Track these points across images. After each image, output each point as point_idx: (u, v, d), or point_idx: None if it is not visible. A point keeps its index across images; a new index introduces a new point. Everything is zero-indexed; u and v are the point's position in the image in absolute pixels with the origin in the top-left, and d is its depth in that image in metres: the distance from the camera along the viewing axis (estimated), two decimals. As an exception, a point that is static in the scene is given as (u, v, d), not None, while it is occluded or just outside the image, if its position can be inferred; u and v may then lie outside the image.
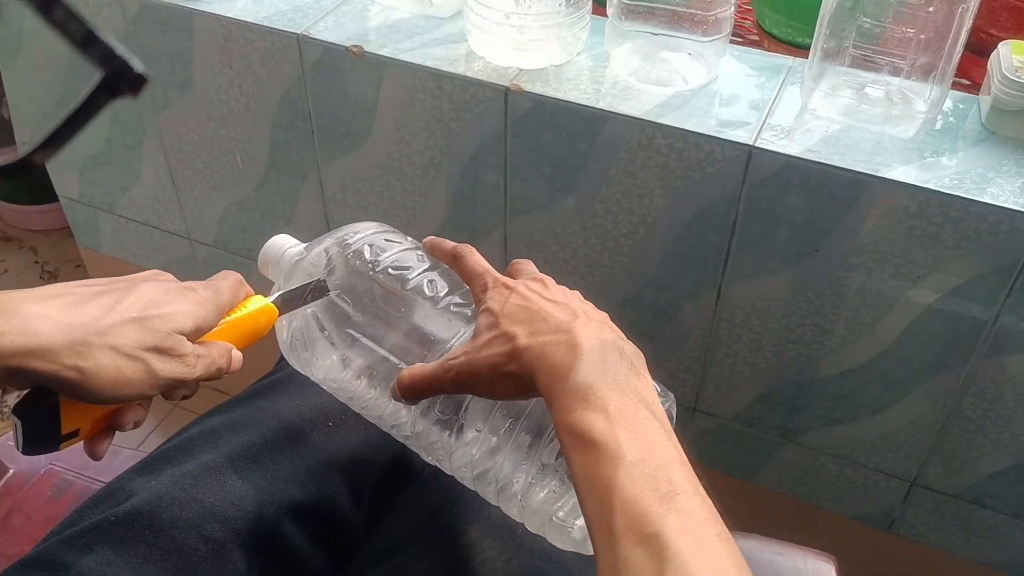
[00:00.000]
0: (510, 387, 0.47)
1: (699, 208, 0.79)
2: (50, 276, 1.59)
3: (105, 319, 0.44)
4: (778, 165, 0.74)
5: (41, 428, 0.45)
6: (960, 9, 0.68)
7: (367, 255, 0.58)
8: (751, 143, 0.74)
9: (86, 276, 1.43)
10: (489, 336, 0.48)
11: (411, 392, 0.50)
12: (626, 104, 0.78)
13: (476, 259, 0.55)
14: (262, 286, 0.58)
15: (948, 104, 0.78)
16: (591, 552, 0.51)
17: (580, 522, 0.51)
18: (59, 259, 1.61)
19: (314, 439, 0.58)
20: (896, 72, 0.74)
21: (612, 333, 0.48)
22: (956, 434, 0.84)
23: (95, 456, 0.49)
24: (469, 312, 0.54)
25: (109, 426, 0.49)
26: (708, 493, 0.40)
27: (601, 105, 0.78)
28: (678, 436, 0.43)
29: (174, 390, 0.49)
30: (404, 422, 0.55)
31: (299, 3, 0.91)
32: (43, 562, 0.51)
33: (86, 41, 0.26)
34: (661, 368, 0.47)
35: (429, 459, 0.56)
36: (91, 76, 0.28)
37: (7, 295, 0.43)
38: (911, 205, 0.71)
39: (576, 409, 0.42)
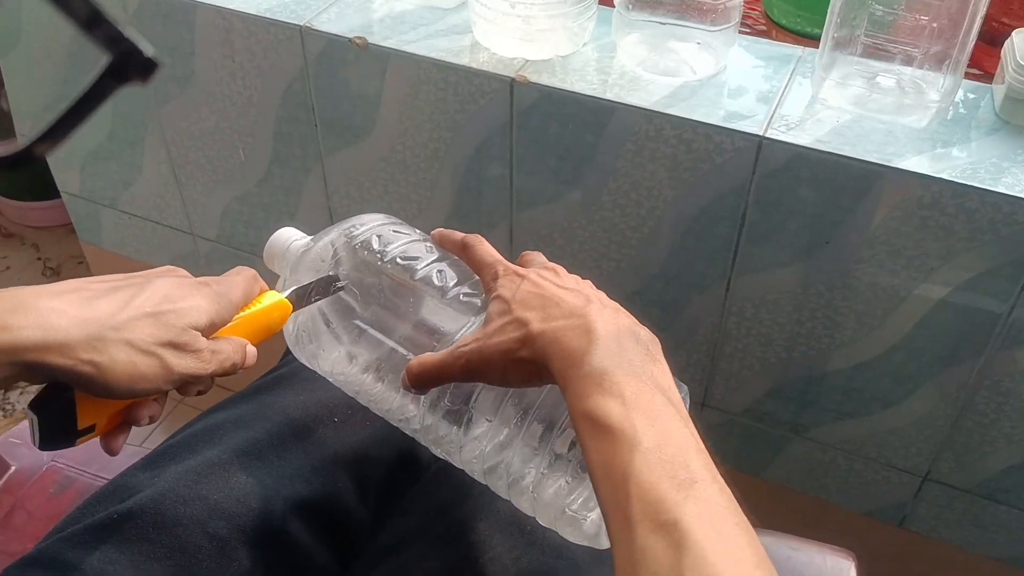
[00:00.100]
0: (523, 373, 0.46)
1: (708, 200, 0.78)
2: (52, 272, 1.58)
3: (120, 314, 0.44)
4: (788, 156, 0.72)
5: (57, 423, 0.45)
6: (974, -4, 0.67)
7: (375, 245, 0.58)
8: (761, 133, 0.73)
9: (88, 272, 1.43)
10: (501, 322, 0.47)
11: (420, 380, 0.49)
12: (633, 95, 0.77)
13: (486, 248, 0.54)
14: (268, 280, 0.57)
15: (960, 94, 0.77)
16: (604, 546, 0.50)
17: (593, 515, 0.50)
18: (61, 255, 1.60)
19: (319, 435, 0.57)
20: (909, 61, 0.73)
21: (627, 319, 0.47)
22: (969, 428, 0.83)
23: (111, 451, 0.49)
24: (479, 302, 0.54)
25: (125, 421, 0.49)
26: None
27: (608, 96, 0.77)
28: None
29: (188, 386, 0.48)
30: (413, 415, 0.54)
31: (302, -6, 0.90)
32: (45, 560, 0.50)
33: (91, 22, 0.25)
34: (669, 362, 0.47)
35: (439, 453, 0.55)
36: (94, 67, 0.27)
37: (23, 291, 0.43)
38: (924, 196, 0.70)
39: (592, 394, 0.41)
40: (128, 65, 0.25)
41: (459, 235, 0.56)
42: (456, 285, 0.55)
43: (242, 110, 0.97)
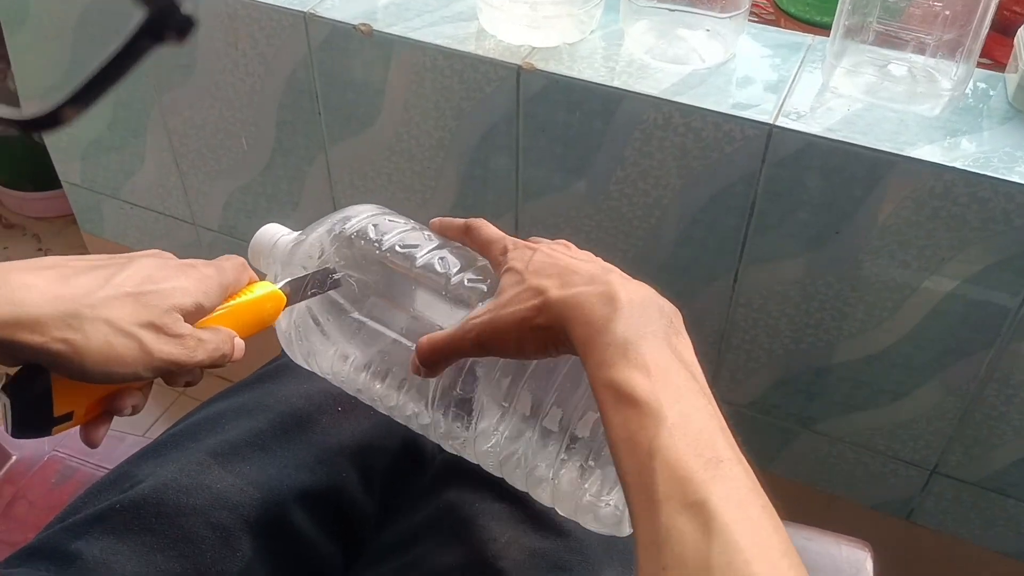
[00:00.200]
0: (539, 342, 0.44)
1: (716, 190, 0.77)
2: (54, 263, 1.57)
3: (98, 292, 0.42)
4: (799, 145, 0.72)
5: (31, 408, 0.43)
6: (989, -18, 0.66)
7: (372, 235, 0.56)
8: (771, 122, 0.72)
9: (90, 263, 1.42)
10: (515, 291, 0.45)
11: (431, 358, 0.47)
12: (642, 82, 0.76)
13: (491, 228, 0.52)
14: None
15: (973, 83, 0.76)
16: (625, 533, 0.49)
17: (612, 500, 0.49)
18: (62, 246, 1.60)
19: (323, 424, 0.57)
20: (921, 49, 0.72)
21: (649, 289, 0.45)
22: (978, 421, 0.83)
23: (91, 443, 0.46)
24: (484, 288, 0.52)
25: (106, 411, 0.46)
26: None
27: (616, 84, 0.76)
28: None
29: (174, 375, 0.46)
30: (421, 411, 0.53)
31: (305, -19, 0.89)
32: (46, 551, 0.50)
33: None
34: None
35: (450, 448, 0.53)
36: (103, 45, 0.26)
37: None
38: (936, 185, 0.69)
39: (616, 364, 0.40)
40: (165, 22, 0.24)
41: (460, 220, 0.54)
42: (460, 271, 0.54)
43: (245, 98, 0.96)
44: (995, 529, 0.90)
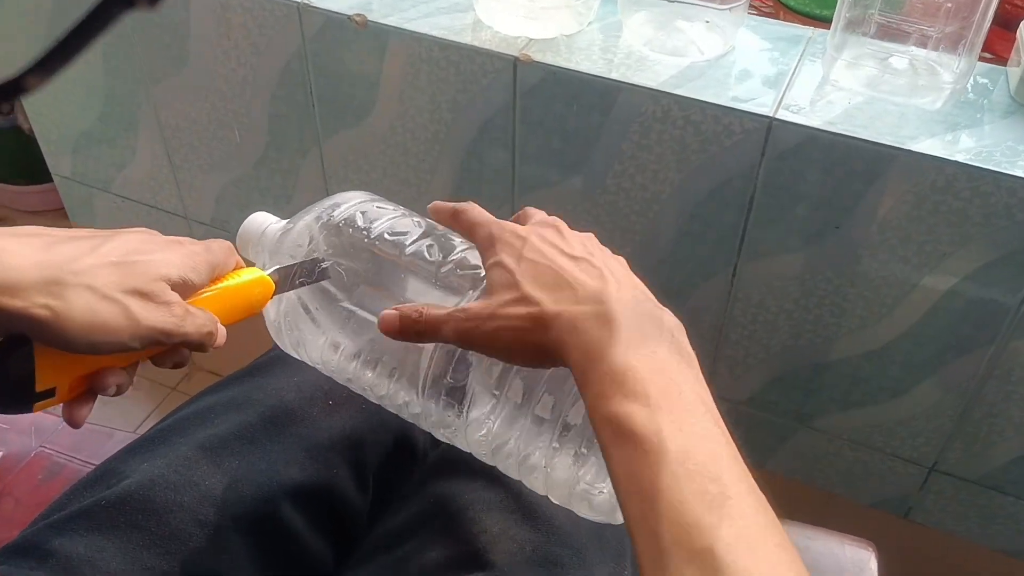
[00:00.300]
0: (531, 355, 0.43)
1: (715, 184, 0.76)
2: (45, 258, 1.56)
3: (82, 260, 0.41)
4: (798, 138, 0.71)
5: (12, 381, 0.41)
6: (992, -26, 0.65)
7: (360, 222, 0.55)
8: (771, 115, 0.71)
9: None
10: (508, 296, 0.43)
11: (415, 332, 0.45)
12: (640, 75, 0.75)
13: (478, 211, 0.50)
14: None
15: (975, 76, 0.75)
16: (619, 521, 0.48)
17: (607, 486, 0.48)
18: (54, 240, 1.58)
19: (314, 418, 0.55)
20: (923, 42, 0.71)
21: (647, 301, 0.44)
22: (977, 418, 0.82)
23: (74, 422, 0.44)
24: (480, 274, 0.51)
25: (90, 389, 0.45)
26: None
27: (614, 76, 0.75)
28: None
29: (164, 357, 0.45)
30: (412, 400, 0.52)
31: (299, -29, 0.88)
32: (29, 548, 0.49)
33: None
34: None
35: (442, 436, 0.53)
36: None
37: None
38: (938, 179, 0.68)
39: (613, 395, 0.38)
40: None
41: (451, 205, 0.52)
42: (450, 258, 0.53)
43: (238, 90, 0.95)
44: (994, 527, 0.89)
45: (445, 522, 0.52)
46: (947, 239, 0.71)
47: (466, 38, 0.79)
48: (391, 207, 0.57)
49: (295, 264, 0.52)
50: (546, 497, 0.52)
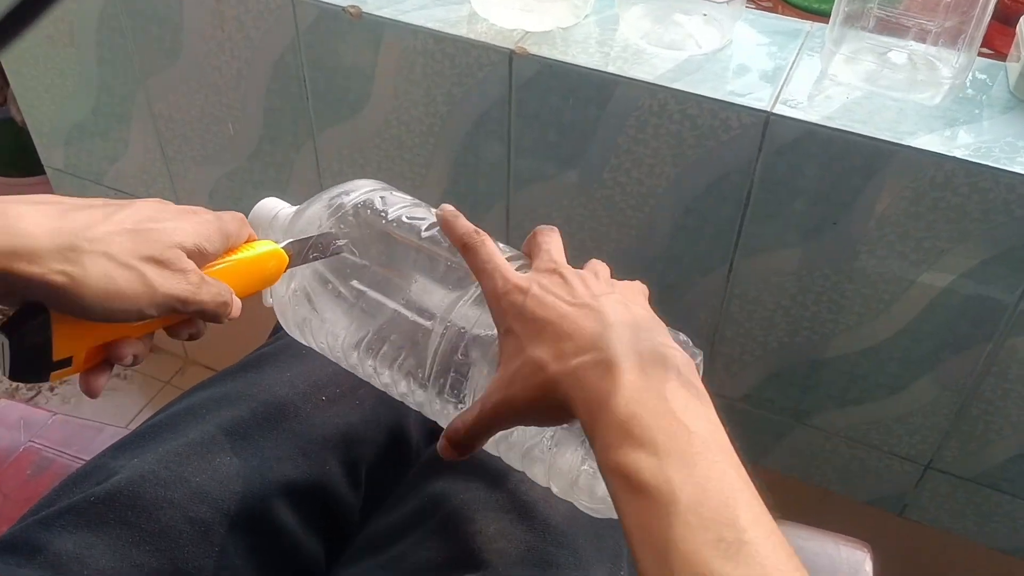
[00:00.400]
0: (553, 418, 0.43)
1: (712, 178, 0.76)
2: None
3: (98, 227, 0.40)
4: (796, 133, 0.70)
5: (29, 349, 0.41)
6: (993, -32, 0.64)
7: (378, 205, 0.55)
8: (768, 110, 0.70)
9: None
10: (515, 365, 0.43)
11: (462, 445, 0.45)
12: (637, 68, 0.74)
13: (487, 252, 0.48)
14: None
15: (974, 72, 0.75)
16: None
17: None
18: (47, 234, 1.57)
19: (307, 414, 0.55)
20: (922, 36, 0.71)
21: (651, 340, 0.42)
22: (974, 416, 0.81)
23: (91, 392, 0.44)
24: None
25: (107, 359, 0.44)
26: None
27: (611, 69, 0.74)
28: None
29: (180, 327, 0.44)
30: (416, 390, 0.51)
31: (294, -38, 0.87)
32: (17, 545, 0.48)
33: None
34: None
35: (445, 424, 0.52)
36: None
37: None
38: (936, 175, 0.68)
39: (620, 445, 0.37)
40: None
41: (462, 229, 0.49)
42: None
43: (232, 83, 0.94)
44: (990, 525, 0.89)
45: (439, 521, 0.51)
46: (945, 235, 0.71)
47: (461, 30, 0.78)
48: (404, 196, 0.57)
49: (310, 238, 0.52)
50: (543, 498, 0.51)
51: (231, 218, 0.48)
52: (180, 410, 0.55)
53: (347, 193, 0.56)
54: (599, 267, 0.48)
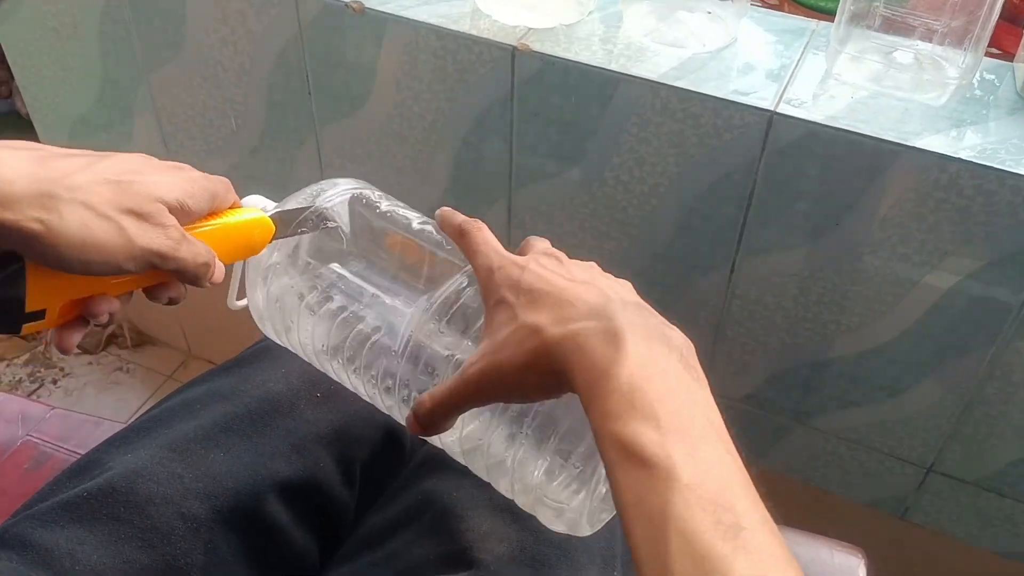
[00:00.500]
0: (542, 388, 0.41)
1: (714, 178, 0.75)
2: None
3: (78, 175, 0.39)
4: (800, 132, 0.69)
5: (2, 299, 0.40)
6: (1000, -33, 0.63)
7: (373, 197, 0.55)
8: (772, 109, 0.70)
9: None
10: (508, 330, 0.41)
11: (432, 416, 0.43)
12: (640, 66, 0.73)
13: (483, 236, 0.48)
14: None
15: (980, 72, 0.74)
16: (583, 534, 0.47)
17: (575, 502, 0.47)
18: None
19: (301, 411, 0.55)
20: (928, 36, 0.70)
21: (654, 317, 0.41)
22: (977, 419, 0.81)
23: (64, 348, 0.43)
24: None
25: (81, 316, 0.43)
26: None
27: (613, 67, 0.73)
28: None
29: (159, 289, 0.43)
30: (383, 396, 0.51)
31: (297, -44, 0.86)
32: (10, 539, 0.48)
33: None
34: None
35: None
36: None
37: None
38: (941, 177, 0.67)
39: (621, 416, 0.36)
40: None
41: (460, 218, 0.49)
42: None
43: (234, 77, 0.94)
44: (991, 529, 0.89)
45: (432, 520, 0.51)
46: (949, 237, 0.70)
47: (464, 27, 0.78)
48: (383, 194, 0.57)
49: (296, 210, 0.51)
50: None
51: (219, 180, 0.47)
52: (175, 405, 0.55)
53: (332, 186, 0.55)
54: (590, 262, 0.48)
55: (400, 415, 0.51)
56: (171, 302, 0.45)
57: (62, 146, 1.15)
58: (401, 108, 0.86)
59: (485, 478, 0.50)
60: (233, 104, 0.96)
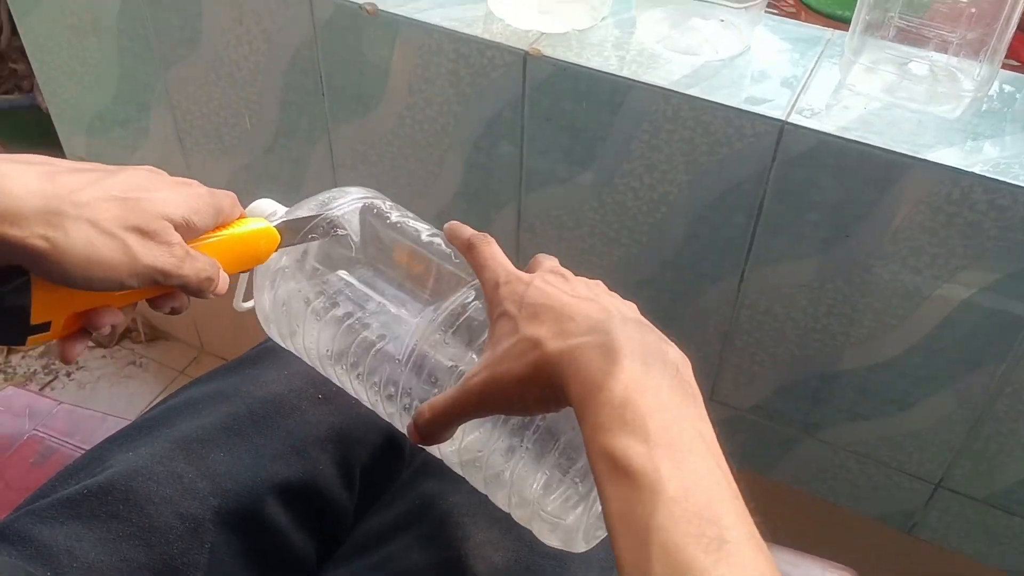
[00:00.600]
0: (541, 401, 0.41)
1: (725, 187, 0.75)
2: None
3: (84, 192, 0.40)
4: (811, 143, 0.69)
5: (8, 313, 0.41)
6: (1018, -21, 0.63)
7: (383, 206, 0.55)
8: (783, 118, 0.69)
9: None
10: (509, 343, 0.42)
11: (432, 426, 0.44)
12: (652, 73, 0.73)
13: (491, 251, 0.48)
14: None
15: (996, 85, 0.73)
16: (578, 550, 0.47)
17: (570, 518, 0.47)
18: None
19: (302, 412, 0.55)
20: (943, 48, 0.69)
21: (652, 334, 0.42)
22: (987, 435, 0.80)
23: (67, 358, 0.44)
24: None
25: (85, 327, 0.44)
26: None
27: (625, 73, 0.73)
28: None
29: (162, 300, 0.44)
30: (384, 403, 0.51)
31: (313, -42, 0.87)
32: (9, 535, 0.48)
33: None
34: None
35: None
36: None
37: None
38: (953, 191, 0.66)
39: (611, 429, 0.36)
40: None
41: (469, 231, 0.50)
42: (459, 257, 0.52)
43: (249, 76, 0.94)
44: (999, 547, 0.87)
45: (429, 525, 0.51)
46: (961, 252, 0.69)
47: (477, 30, 0.78)
48: (392, 203, 0.57)
49: (302, 219, 0.51)
50: None
51: (224, 194, 0.47)
52: (176, 405, 0.55)
53: (341, 195, 0.55)
54: (596, 280, 0.48)
55: (401, 423, 0.51)
56: (174, 312, 0.46)
57: (80, 141, 1.16)
58: (413, 110, 0.86)
59: (482, 490, 0.50)
60: (247, 103, 0.97)
